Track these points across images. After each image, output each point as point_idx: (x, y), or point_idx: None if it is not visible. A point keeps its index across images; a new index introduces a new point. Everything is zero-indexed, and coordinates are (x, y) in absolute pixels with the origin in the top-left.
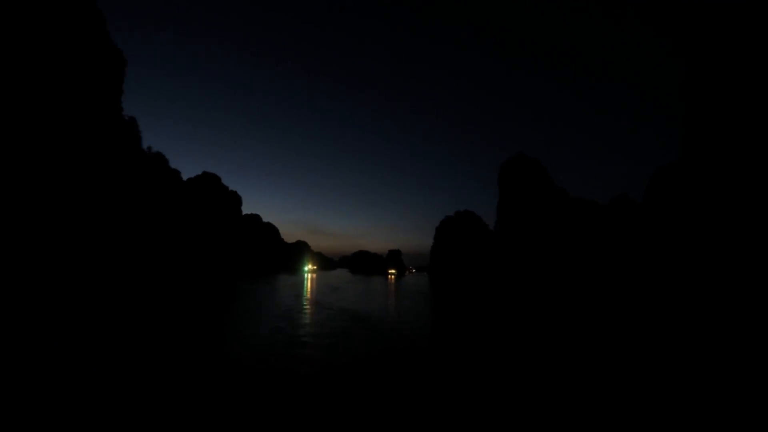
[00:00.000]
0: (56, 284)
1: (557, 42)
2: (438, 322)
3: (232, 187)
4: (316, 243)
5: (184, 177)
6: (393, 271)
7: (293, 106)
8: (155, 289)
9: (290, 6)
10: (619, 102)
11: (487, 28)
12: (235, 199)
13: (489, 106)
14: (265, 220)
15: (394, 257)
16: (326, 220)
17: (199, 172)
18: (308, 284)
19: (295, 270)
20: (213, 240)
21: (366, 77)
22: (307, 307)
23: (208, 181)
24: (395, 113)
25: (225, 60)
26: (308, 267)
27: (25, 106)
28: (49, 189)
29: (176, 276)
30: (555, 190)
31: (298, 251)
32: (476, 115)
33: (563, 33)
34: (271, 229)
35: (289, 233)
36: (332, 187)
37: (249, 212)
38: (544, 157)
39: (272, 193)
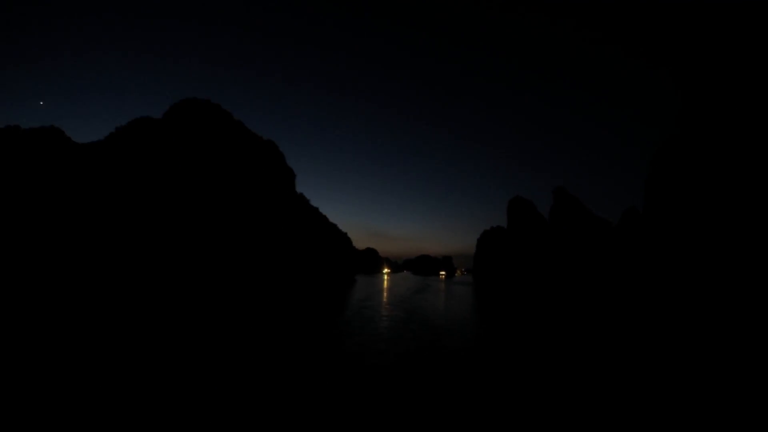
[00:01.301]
0: (246, 281)
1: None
2: (467, 293)
3: (306, 194)
4: (381, 247)
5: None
6: (443, 272)
7: (360, 133)
8: (309, 283)
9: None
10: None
11: (509, 66)
12: (322, 217)
13: (520, 136)
14: (332, 223)
15: (446, 261)
16: (389, 224)
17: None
18: (390, 279)
19: (369, 272)
20: (311, 250)
21: (417, 109)
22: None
23: (302, 202)
24: (445, 139)
25: (295, 91)
26: (385, 270)
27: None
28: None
29: (303, 276)
30: (539, 218)
31: (369, 257)
32: (510, 142)
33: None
34: (345, 238)
35: (357, 238)
36: (394, 194)
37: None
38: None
39: (341, 201)
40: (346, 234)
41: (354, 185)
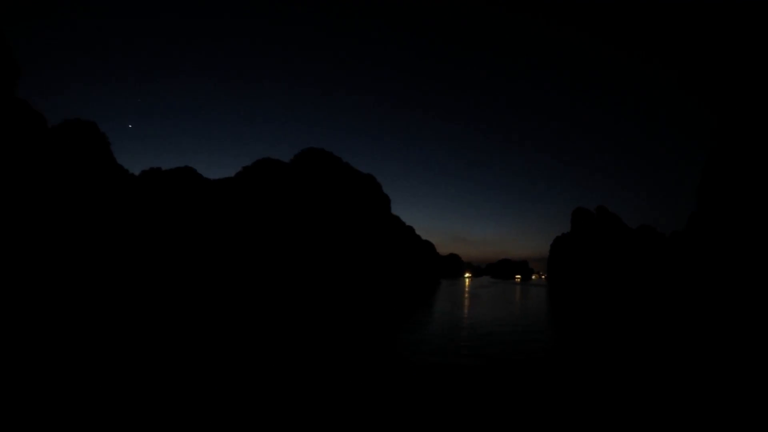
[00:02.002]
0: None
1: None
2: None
3: (392, 200)
4: (464, 252)
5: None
6: (518, 276)
7: (444, 145)
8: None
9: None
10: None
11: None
12: (410, 231)
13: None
14: (415, 228)
15: (522, 266)
16: (472, 228)
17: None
18: (470, 283)
19: (452, 277)
20: (402, 260)
21: (492, 125)
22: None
23: (396, 222)
24: (523, 147)
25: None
26: (467, 275)
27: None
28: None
29: (395, 281)
30: (596, 223)
31: (452, 262)
32: (577, 152)
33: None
34: (429, 245)
35: (440, 243)
36: (476, 199)
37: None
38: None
39: (426, 207)
40: (430, 242)
41: (439, 191)
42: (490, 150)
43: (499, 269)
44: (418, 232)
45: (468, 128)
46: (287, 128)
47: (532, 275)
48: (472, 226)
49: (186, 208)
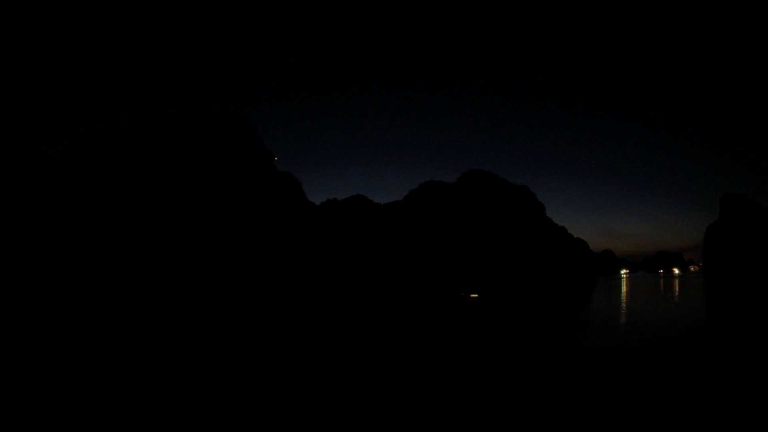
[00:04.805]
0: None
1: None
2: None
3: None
4: (618, 247)
5: None
6: (675, 269)
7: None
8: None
9: None
10: None
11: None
12: (563, 231)
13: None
14: (569, 227)
15: (677, 257)
16: (623, 221)
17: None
18: (627, 280)
19: (607, 274)
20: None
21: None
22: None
23: (549, 225)
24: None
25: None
26: (623, 271)
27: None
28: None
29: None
30: (750, 210)
31: (606, 259)
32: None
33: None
34: (582, 243)
35: (593, 240)
36: (626, 190)
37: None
38: None
39: (575, 204)
40: (583, 240)
41: (587, 187)
42: (638, 136)
43: (654, 263)
44: (571, 230)
45: (617, 120)
46: (448, 149)
47: (689, 267)
48: (623, 219)
49: (359, 232)
